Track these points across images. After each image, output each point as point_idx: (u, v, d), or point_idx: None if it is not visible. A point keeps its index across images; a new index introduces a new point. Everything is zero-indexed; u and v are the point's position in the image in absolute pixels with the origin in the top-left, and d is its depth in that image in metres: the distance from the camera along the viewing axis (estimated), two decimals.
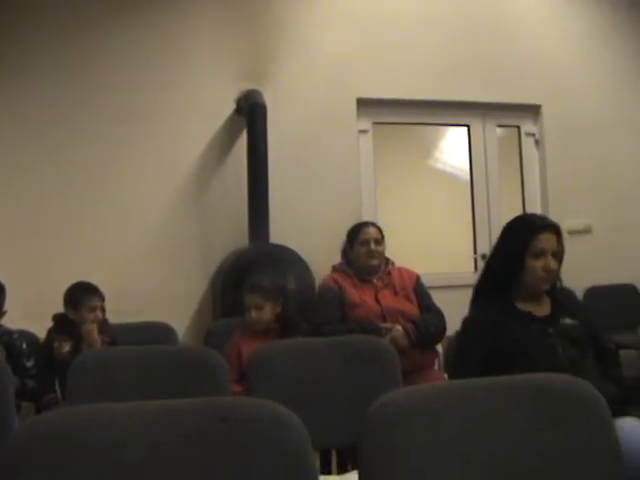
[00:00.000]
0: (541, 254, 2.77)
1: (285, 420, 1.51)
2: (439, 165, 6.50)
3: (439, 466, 1.54)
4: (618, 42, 6.54)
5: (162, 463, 1.46)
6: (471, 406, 1.63)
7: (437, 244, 5.93)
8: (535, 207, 6.09)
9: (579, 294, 5.85)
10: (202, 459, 1.47)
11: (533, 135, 6.26)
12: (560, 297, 2.94)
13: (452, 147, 6.39)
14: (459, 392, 1.68)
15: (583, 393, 1.72)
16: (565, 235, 5.98)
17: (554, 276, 2.83)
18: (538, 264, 2.76)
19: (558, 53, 6.29)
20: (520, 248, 2.79)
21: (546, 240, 2.79)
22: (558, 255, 2.84)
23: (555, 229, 2.86)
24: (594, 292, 6.03)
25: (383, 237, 4.20)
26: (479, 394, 1.66)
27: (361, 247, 4.10)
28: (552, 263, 2.77)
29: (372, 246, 4.08)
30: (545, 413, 1.66)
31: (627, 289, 6.23)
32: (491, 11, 6.11)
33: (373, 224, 4.28)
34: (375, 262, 4.08)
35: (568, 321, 2.80)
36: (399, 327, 3.80)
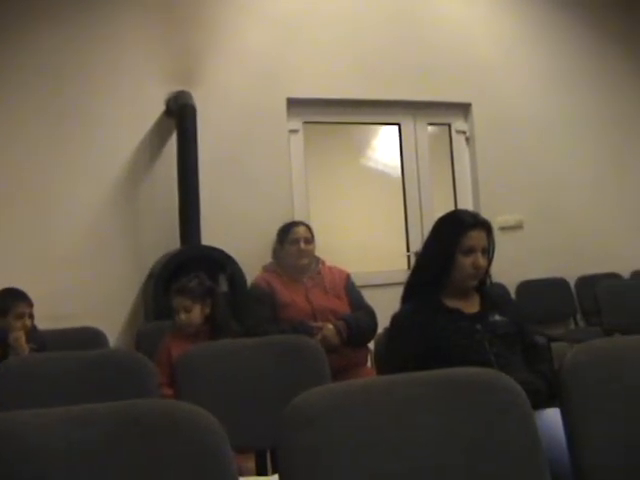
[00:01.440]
0: (470, 251, 2.79)
1: (201, 422, 1.50)
2: (372, 164, 6.52)
3: (357, 464, 1.53)
4: (547, 41, 6.65)
5: (79, 468, 1.44)
6: (389, 402, 1.62)
7: (371, 242, 5.95)
8: (467, 204, 6.15)
9: (512, 289, 5.96)
10: (118, 462, 1.45)
11: (464, 133, 6.32)
12: (489, 294, 2.96)
13: (384, 145, 6.41)
14: (377, 389, 1.67)
15: (503, 386, 1.73)
16: (497, 231, 6.08)
17: (482, 273, 2.85)
18: (467, 261, 2.78)
19: (488, 51, 6.36)
20: (450, 245, 2.81)
21: (476, 237, 2.80)
22: (488, 252, 2.86)
23: (485, 226, 2.87)
24: (526, 287, 6.13)
25: (313, 236, 4.20)
26: (397, 390, 1.66)
27: (291, 246, 4.11)
28: (481, 260, 2.79)
29: (302, 245, 4.08)
30: (465, 407, 1.67)
31: (559, 283, 6.34)
32: (421, 10, 6.15)
33: (303, 223, 4.29)
34: (305, 261, 4.08)
35: (497, 317, 2.83)
36: (330, 326, 3.81)
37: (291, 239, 4.13)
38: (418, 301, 2.84)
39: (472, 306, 2.85)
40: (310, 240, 4.15)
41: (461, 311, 2.80)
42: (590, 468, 1.80)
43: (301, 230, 4.17)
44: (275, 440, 1.55)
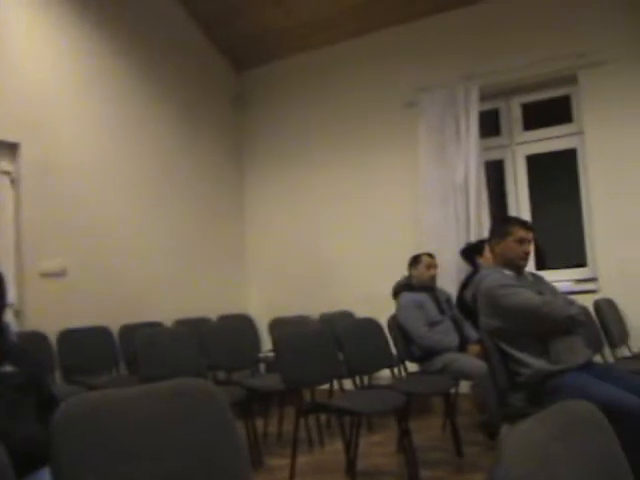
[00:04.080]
0: None
1: None
2: None
3: None
4: (101, 87, 6.74)
5: None
6: None
7: None
8: (8, 248, 5.90)
9: (54, 337, 5.81)
10: None
11: (9, 174, 6.06)
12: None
13: None
14: None
15: None
16: (38, 277, 5.94)
17: None
18: None
19: (40, 92, 6.23)
20: None
21: None
22: None
23: None
24: (69, 335, 6.03)
25: None
26: None
27: None
28: None
29: None
30: None
31: (102, 332, 6.33)
32: None
33: None
34: None
35: (7, 368, 2.73)
36: None
37: None
38: None
39: None
40: None
41: None
42: None
43: None
44: None
